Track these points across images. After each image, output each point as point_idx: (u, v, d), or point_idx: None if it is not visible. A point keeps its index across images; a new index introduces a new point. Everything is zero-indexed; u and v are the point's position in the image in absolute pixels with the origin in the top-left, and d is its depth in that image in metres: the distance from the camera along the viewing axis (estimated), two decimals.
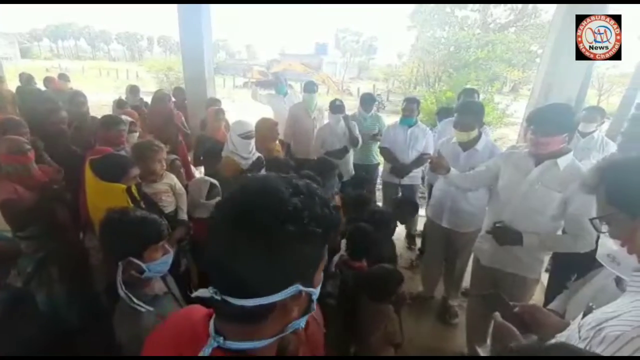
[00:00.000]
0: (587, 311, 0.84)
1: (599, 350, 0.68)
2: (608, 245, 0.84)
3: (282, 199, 0.50)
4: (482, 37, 18.12)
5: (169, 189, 2.17)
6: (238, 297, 0.51)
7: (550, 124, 1.63)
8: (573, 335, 0.80)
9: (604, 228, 0.82)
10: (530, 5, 19.56)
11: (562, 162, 1.65)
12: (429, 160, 2.14)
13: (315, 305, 0.60)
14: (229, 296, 0.52)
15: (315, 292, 0.58)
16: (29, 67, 19.11)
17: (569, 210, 1.65)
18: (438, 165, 2.06)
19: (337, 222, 0.55)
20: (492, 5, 20.54)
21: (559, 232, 1.76)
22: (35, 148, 2.35)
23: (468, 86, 5.78)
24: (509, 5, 20.33)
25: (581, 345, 0.74)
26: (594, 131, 3.04)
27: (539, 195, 1.70)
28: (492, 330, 1.00)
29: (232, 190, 0.55)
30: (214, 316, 0.60)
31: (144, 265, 1.20)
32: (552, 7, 3.33)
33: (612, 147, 2.83)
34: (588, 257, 1.87)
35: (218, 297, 0.52)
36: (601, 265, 1.53)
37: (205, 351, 0.55)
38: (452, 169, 2.07)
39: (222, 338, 0.55)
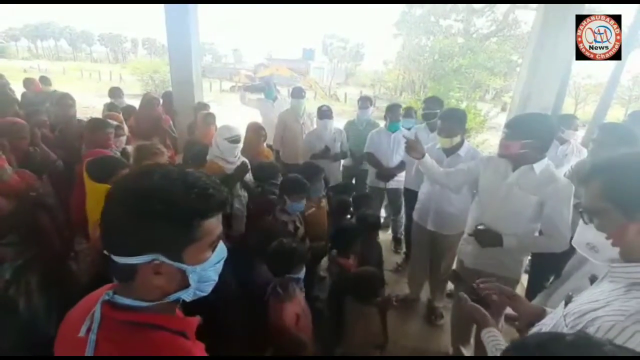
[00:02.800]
0: (568, 300, 0.88)
1: None
2: (588, 235, 0.85)
3: (142, 178, 0.62)
4: (464, 44, 18.65)
5: None
6: (110, 254, 0.63)
7: (515, 129, 1.71)
8: (559, 323, 0.84)
9: (587, 219, 0.84)
10: (511, 17, 20.27)
11: (538, 167, 1.73)
12: (404, 142, 2.10)
13: (193, 282, 0.67)
14: (110, 253, 0.63)
15: (190, 269, 0.65)
16: (5, 67, 18.49)
17: (544, 212, 1.73)
18: (412, 148, 2.05)
19: (197, 207, 0.62)
20: (474, 16, 21.16)
21: (536, 234, 1.84)
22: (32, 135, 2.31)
23: (457, 94, 5.84)
24: (490, 16, 21.00)
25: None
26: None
27: (517, 198, 1.78)
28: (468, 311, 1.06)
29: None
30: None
31: None
32: (531, 19, 3.47)
33: (585, 154, 2.96)
34: (564, 259, 1.98)
35: (105, 252, 0.64)
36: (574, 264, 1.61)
37: (98, 302, 0.66)
38: (427, 155, 2.08)
39: (111, 292, 0.67)
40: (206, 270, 0.68)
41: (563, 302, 0.89)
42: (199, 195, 0.62)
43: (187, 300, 0.69)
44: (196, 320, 0.72)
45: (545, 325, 0.92)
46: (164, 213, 0.59)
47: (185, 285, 0.67)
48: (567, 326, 0.80)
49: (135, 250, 0.61)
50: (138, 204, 0.59)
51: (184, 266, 0.64)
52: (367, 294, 1.75)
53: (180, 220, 0.61)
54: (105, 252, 0.64)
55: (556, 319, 0.87)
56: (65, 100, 3.26)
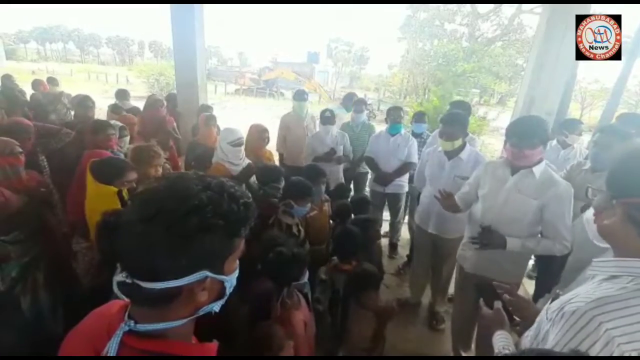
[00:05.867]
0: (554, 297, 0.92)
1: (559, 325, 0.75)
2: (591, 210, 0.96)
3: (189, 195, 0.57)
4: (469, 48, 18.62)
5: None
6: (146, 281, 0.56)
7: (534, 137, 1.69)
8: (542, 318, 0.88)
9: (591, 194, 0.95)
10: (516, 21, 20.22)
11: (537, 170, 1.73)
12: (441, 198, 2.13)
13: (228, 291, 0.66)
14: (138, 280, 0.57)
15: (228, 279, 0.64)
16: (14, 69, 18.75)
17: (545, 216, 1.73)
18: (449, 207, 2.10)
19: (245, 217, 0.61)
20: (479, 20, 21.14)
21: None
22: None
23: (459, 98, 5.85)
24: (495, 21, 20.98)
25: (548, 326, 0.81)
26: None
27: (517, 203, 1.77)
28: (486, 314, 1.12)
29: (147, 186, 0.62)
30: (129, 306, 0.64)
31: None
32: (536, 24, 3.47)
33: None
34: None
35: (129, 281, 0.58)
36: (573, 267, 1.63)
37: (118, 334, 0.59)
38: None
39: (133, 322, 0.60)
40: (235, 278, 0.68)
41: (550, 299, 0.93)
42: (244, 205, 0.61)
43: (217, 311, 0.66)
44: (214, 346, 0.68)
45: (536, 323, 0.95)
46: (220, 227, 0.57)
47: (221, 296, 0.65)
48: (547, 319, 0.84)
49: (185, 270, 0.57)
50: (191, 222, 0.55)
51: (225, 277, 0.63)
52: (363, 287, 1.75)
53: (233, 232, 0.61)
54: (134, 281, 0.57)
55: (541, 315, 0.91)
56: (86, 102, 3.43)
